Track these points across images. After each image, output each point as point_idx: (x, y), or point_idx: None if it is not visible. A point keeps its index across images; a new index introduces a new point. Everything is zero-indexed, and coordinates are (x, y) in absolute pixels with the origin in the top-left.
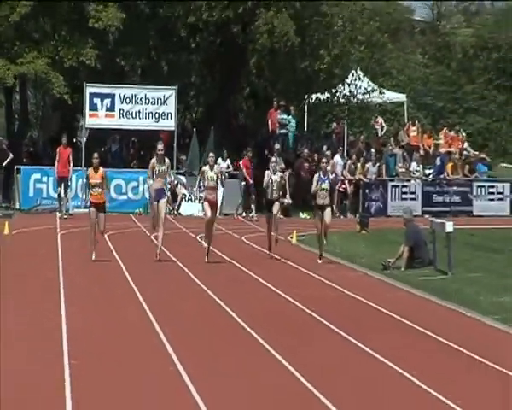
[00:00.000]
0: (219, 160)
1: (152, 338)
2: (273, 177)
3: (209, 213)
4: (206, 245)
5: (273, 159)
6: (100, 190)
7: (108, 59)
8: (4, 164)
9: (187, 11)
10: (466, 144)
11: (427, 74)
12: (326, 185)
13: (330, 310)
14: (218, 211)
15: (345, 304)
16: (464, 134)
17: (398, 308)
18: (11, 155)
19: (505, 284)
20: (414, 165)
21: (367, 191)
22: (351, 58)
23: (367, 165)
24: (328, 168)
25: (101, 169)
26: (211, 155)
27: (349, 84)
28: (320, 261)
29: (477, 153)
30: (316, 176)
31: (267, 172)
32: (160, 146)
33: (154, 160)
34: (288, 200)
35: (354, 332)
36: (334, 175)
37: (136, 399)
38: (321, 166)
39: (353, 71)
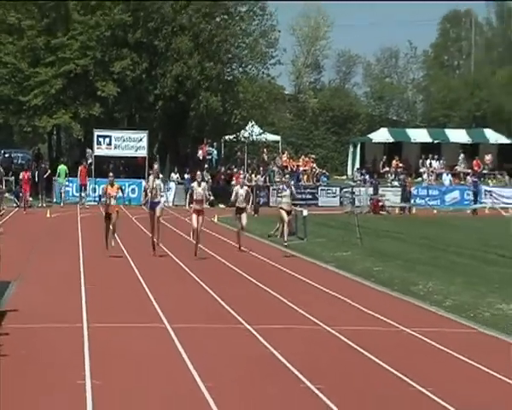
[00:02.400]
0: (172, 173)
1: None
2: (240, 190)
3: (195, 223)
4: (195, 242)
5: (242, 175)
6: (115, 201)
7: (108, 113)
8: (45, 176)
9: (154, 86)
10: (314, 165)
11: (292, 124)
12: (287, 193)
13: (241, 264)
14: (172, 203)
15: (248, 259)
16: (314, 158)
17: (277, 260)
18: (49, 171)
19: (337, 245)
20: (286, 177)
21: (258, 191)
22: (250, 115)
23: (258, 176)
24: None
25: (115, 184)
26: (198, 173)
27: (247, 130)
28: (286, 244)
29: (321, 170)
30: (281, 187)
31: (237, 187)
32: (156, 166)
33: (151, 177)
34: (250, 209)
35: (254, 275)
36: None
37: (127, 302)
38: (283, 180)
39: (250, 122)
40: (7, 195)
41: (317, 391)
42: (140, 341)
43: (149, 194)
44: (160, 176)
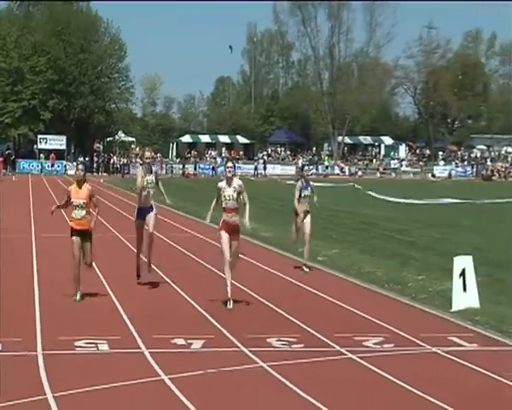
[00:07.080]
0: (79, 158)
1: None
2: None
3: (227, 253)
4: (229, 290)
5: (229, 164)
6: (84, 212)
7: (46, 128)
8: (11, 159)
9: (69, 112)
10: (153, 153)
11: (141, 132)
12: (308, 193)
13: (123, 208)
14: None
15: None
16: (153, 150)
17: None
18: (13, 156)
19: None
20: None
21: (124, 166)
22: (119, 127)
23: (123, 159)
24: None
25: (86, 185)
26: (229, 164)
27: (118, 135)
28: (306, 270)
29: (157, 155)
30: (298, 184)
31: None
32: (148, 153)
33: (140, 169)
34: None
35: (126, 211)
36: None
37: (58, 221)
38: (303, 174)
39: (119, 131)
40: None
41: (156, 269)
42: (65, 243)
43: (140, 195)
44: (154, 169)
